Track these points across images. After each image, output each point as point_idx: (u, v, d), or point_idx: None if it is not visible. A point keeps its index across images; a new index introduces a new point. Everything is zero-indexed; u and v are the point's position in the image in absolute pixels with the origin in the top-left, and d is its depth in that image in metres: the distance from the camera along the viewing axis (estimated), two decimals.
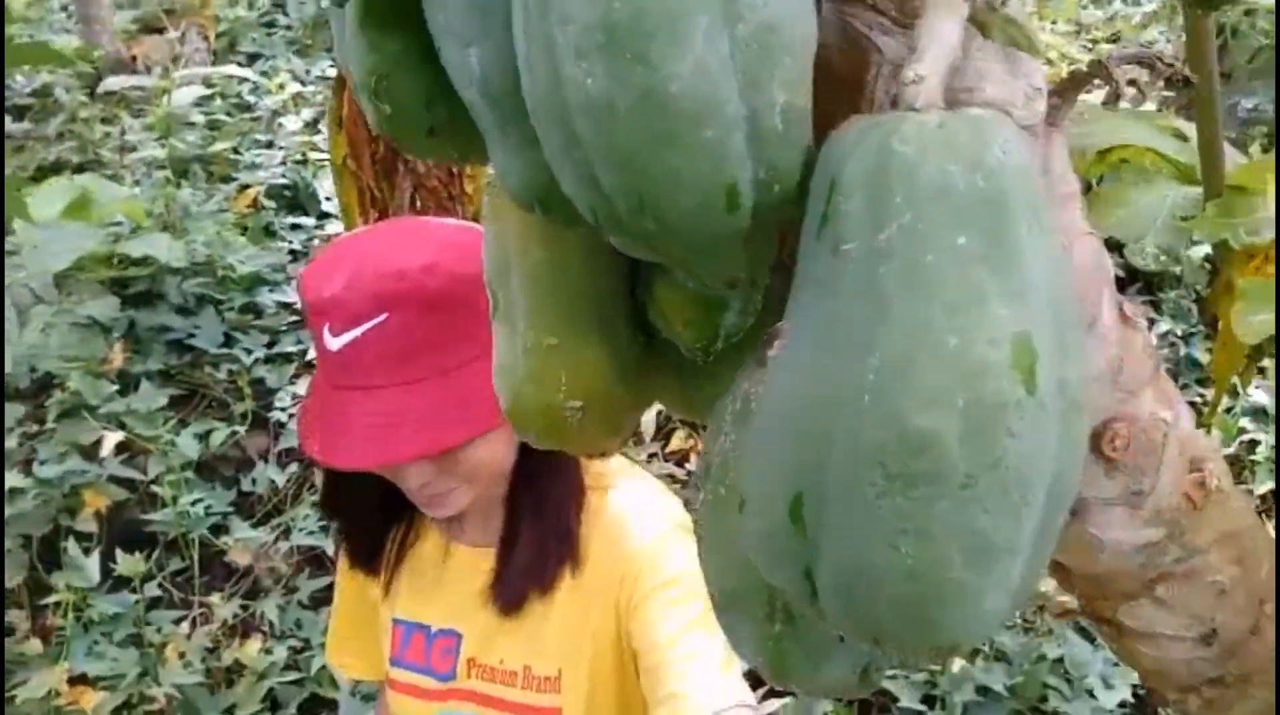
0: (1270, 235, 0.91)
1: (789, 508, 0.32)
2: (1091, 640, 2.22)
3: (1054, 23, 4.43)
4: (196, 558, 2.61)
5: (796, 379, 0.32)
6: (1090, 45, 4.29)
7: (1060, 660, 2.21)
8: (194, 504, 2.63)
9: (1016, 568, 0.32)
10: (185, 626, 2.49)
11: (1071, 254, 0.52)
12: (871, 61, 0.46)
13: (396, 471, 1.04)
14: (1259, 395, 2.65)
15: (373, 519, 1.20)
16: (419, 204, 1.41)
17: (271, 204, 3.61)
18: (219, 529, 2.70)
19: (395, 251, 0.99)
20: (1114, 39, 4.09)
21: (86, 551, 2.47)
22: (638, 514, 1.10)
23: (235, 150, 3.81)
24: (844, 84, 0.45)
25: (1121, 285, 3.17)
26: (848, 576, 0.31)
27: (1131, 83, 0.51)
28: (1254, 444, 2.67)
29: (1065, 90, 0.50)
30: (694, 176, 0.32)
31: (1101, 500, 0.58)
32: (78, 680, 2.28)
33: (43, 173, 3.60)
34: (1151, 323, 3.05)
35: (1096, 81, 0.51)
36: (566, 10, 0.32)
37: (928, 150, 0.30)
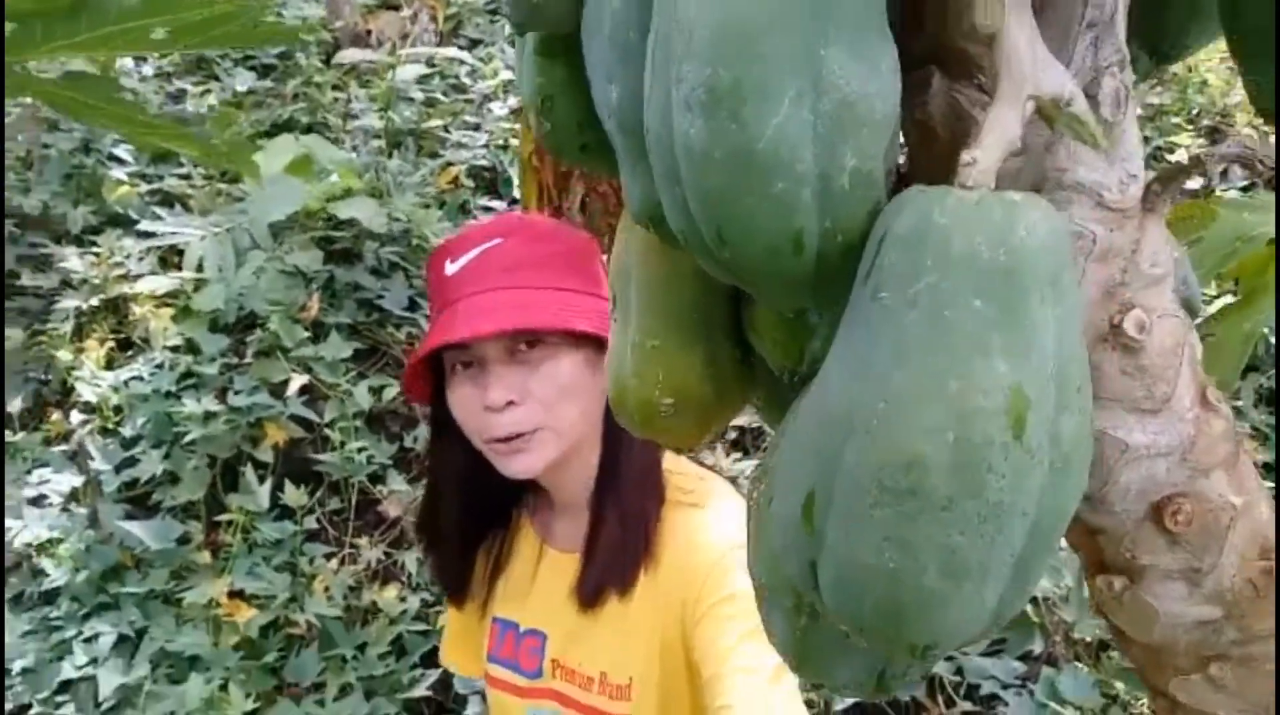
0: None
1: (802, 504, 0.38)
2: None
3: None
4: (353, 501, 2.82)
5: (826, 398, 0.38)
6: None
7: None
8: (359, 451, 2.84)
9: (990, 590, 0.36)
10: (334, 563, 2.70)
11: (1148, 337, 0.54)
12: (972, 133, 0.51)
13: (490, 387, 1.12)
14: None
15: (461, 547, 1.29)
16: (588, 206, 1.52)
17: (470, 183, 3.83)
18: (377, 478, 2.91)
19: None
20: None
21: (261, 479, 2.71)
22: (711, 531, 1.13)
23: (445, 129, 4.07)
24: (947, 151, 0.50)
25: None
26: (841, 571, 0.37)
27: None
28: None
29: (1165, 180, 0.53)
30: (765, 221, 0.38)
31: (1161, 570, 0.60)
32: (236, 595, 2.52)
33: (275, 129, 3.95)
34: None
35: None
36: (682, 70, 0.38)
37: (961, 223, 0.35)
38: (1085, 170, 0.50)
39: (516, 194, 3.81)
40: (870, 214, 0.39)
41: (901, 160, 0.55)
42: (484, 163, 3.95)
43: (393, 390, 3.05)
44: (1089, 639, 2.44)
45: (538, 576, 1.26)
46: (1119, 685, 2.30)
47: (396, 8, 5.00)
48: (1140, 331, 0.54)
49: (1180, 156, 3.50)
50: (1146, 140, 3.68)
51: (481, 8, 5.27)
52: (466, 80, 4.51)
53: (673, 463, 1.20)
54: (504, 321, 1.09)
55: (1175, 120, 3.79)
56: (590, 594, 1.16)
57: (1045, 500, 0.36)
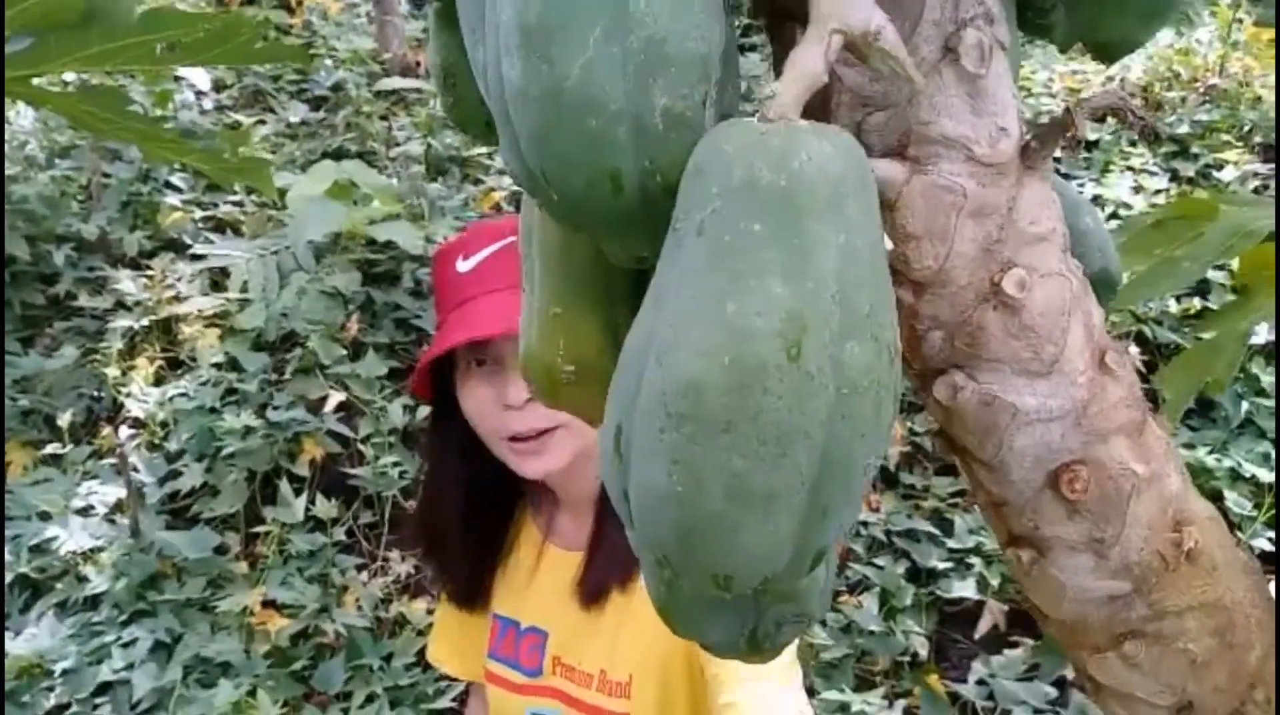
0: None
1: (614, 438, 0.38)
2: None
3: None
4: (386, 515, 2.86)
5: (634, 334, 0.38)
6: None
7: None
8: (393, 466, 2.89)
9: (782, 518, 0.36)
10: (365, 575, 2.74)
11: (1030, 297, 0.54)
12: (834, 90, 0.51)
13: (509, 385, 1.12)
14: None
15: (465, 549, 1.29)
16: None
17: (510, 208, 3.89)
18: (409, 493, 2.95)
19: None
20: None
21: (297, 492, 2.77)
22: None
23: (489, 156, 4.14)
24: (817, 112, 0.50)
25: None
26: (640, 498, 0.37)
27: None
28: None
29: (1042, 137, 0.53)
30: (580, 158, 0.39)
31: (1065, 542, 0.59)
32: (269, 604, 2.57)
33: (326, 157, 4.06)
34: None
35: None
36: (500, 15, 0.40)
37: (743, 151, 0.35)
38: (951, 123, 0.50)
39: None
40: (688, 154, 0.39)
41: None
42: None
43: (426, 409, 3.09)
44: None
45: (539, 574, 1.27)
46: None
47: None
48: (1021, 290, 0.53)
49: (1229, 173, 3.41)
50: (1195, 157, 3.60)
51: None
52: None
53: None
54: (515, 321, 1.11)
55: (1225, 137, 3.69)
56: (592, 592, 1.17)
57: (834, 428, 0.36)
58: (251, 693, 2.27)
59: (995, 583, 2.56)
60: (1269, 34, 4.09)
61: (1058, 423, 0.56)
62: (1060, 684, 2.35)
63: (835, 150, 0.36)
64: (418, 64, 4.79)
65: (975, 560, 2.61)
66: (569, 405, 0.63)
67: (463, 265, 1.16)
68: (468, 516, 1.27)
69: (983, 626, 2.59)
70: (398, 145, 4.02)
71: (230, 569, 2.64)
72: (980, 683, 2.37)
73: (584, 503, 1.21)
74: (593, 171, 0.39)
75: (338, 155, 4.13)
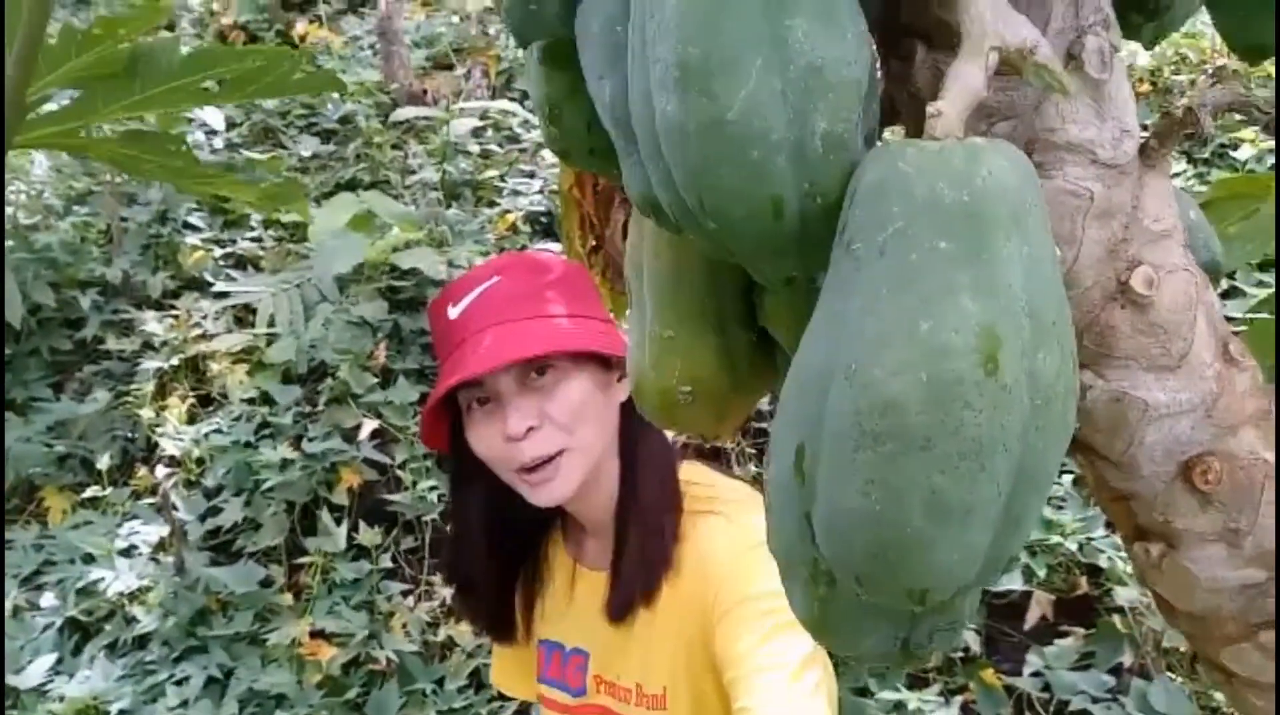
0: None
1: (794, 457, 0.39)
2: None
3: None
4: (427, 539, 2.87)
5: (809, 354, 0.39)
6: None
7: None
8: (430, 490, 2.90)
9: (978, 531, 0.36)
10: (410, 600, 2.75)
11: (1157, 293, 0.54)
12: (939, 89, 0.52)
13: (508, 417, 1.15)
14: None
15: (493, 587, 1.31)
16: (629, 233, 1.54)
17: (526, 229, 3.91)
18: (449, 515, 2.96)
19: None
20: None
21: (337, 521, 2.79)
22: (728, 535, 1.15)
23: (501, 178, 4.17)
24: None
25: None
26: (831, 518, 0.38)
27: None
28: None
29: (1162, 134, 0.53)
30: (743, 188, 0.40)
31: (1196, 534, 0.59)
32: (317, 634, 2.58)
33: (339, 189, 4.09)
34: None
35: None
36: (658, 51, 0.40)
37: (924, 169, 0.36)
38: (1077, 129, 0.51)
39: None
40: (845, 175, 0.40)
41: (899, 130, 0.56)
42: (540, 208, 4.03)
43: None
44: (1181, 648, 2.35)
45: (575, 596, 1.29)
46: (1217, 696, 2.20)
47: (450, 67, 5.16)
48: (1149, 288, 0.54)
49: (1244, 153, 3.41)
50: (1209, 140, 3.60)
51: None
52: (519, 130, 4.61)
53: (694, 474, 1.23)
54: (513, 352, 1.13)
55: (1238, 117, 3.68)
56: (619, 609, 1.19)
57: (1029, 438, 0.36)
58: None
59: (1042, 573, 2.55)
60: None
61: (1188, 416, 0.56)
62: (1117, 671, 2.35)
63: (1012, 165, 0.37)
64: (424, 92, 4.82)
65: (1021, 552, 2.60)
66: (683, 424, 0.63)
67: (452, 312, 1.20)
68: (493, 555, 1.30)
69: (1031, 618, 2.58)
70: (412, 174, 4.04)
71: (276, 601, 2.65)
72: (1035, 674, 2.36)
73: (605, 524, 1.23)
74: (754, 200, 0.40)
75: (350, 186, 4.16)
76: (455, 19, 5.37)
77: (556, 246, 3.86)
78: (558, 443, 1.15)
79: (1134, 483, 0.59)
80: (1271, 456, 0.58)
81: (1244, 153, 3.49)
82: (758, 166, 0.39)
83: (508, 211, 3.96)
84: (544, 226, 4.01)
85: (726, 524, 1.16)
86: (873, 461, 0.35)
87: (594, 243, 1.71)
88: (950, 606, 0.52)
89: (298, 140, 4.56)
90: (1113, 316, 0.55)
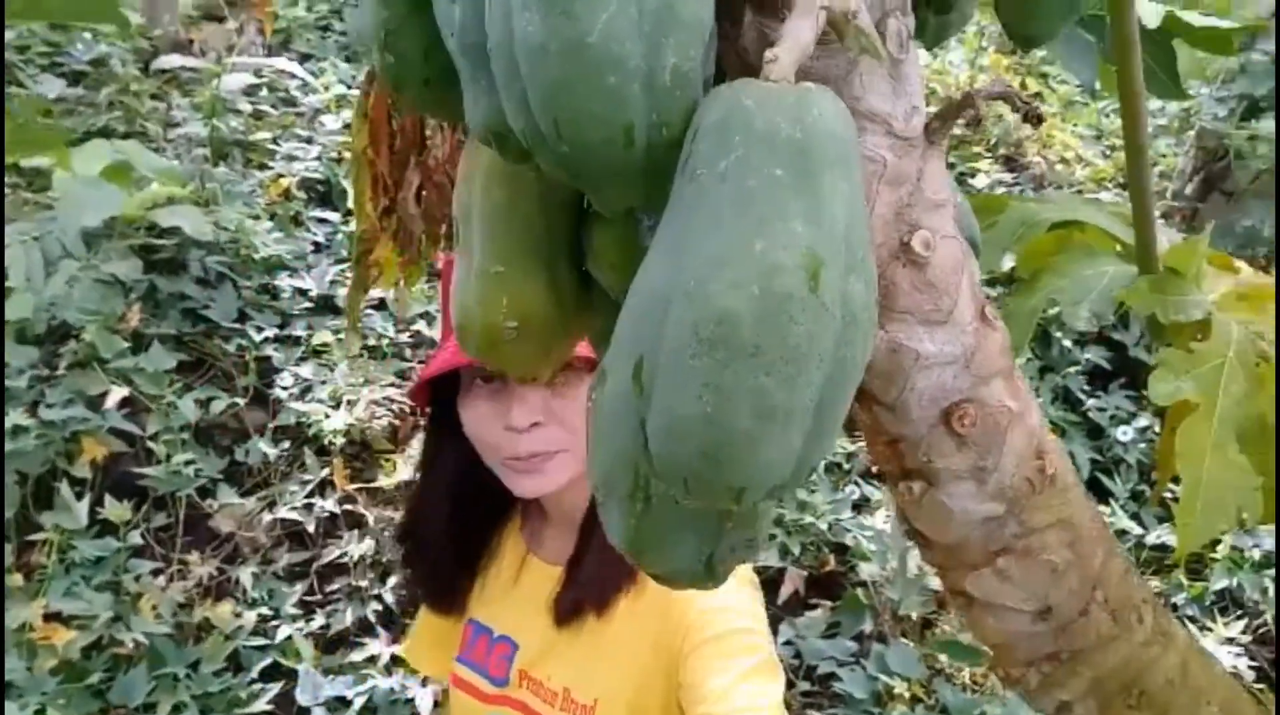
0: (1198, 315, 1.00)
1: (633, 370, 0.42)
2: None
3: (1075, 126, 4.59)
4: (181, 517, 2.70)
5: (651, 274, 0.42)
6: (1109, 151, 4.44)
7: None
8: (186, 465, 2.72)
9: (795, 432, 0.41)
10: (162, 580, 2.57)
11: (933, 255, 0.62)
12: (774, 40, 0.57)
13: (513, 407, 1.11)
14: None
15: (447, 556, 1.27)
16: (424, 196, 1.52)
17: (302, 195, 3.75)
18: (206, 492, 2.79)
19: None
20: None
21: (78, 496, 2.56)
22: None
23: (275, 141, 3.96)
24: (756, 73, 0.56)
25: (1106, 377, 3.22)
26: (667, 421, 0.41)
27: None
28: (1215, 543, 2.74)
29: (944, 115, 0.61)
30: (599, 112, 0.42)
31: (952, 471, 0.68)
32: (52, 617, 2.36)
33: (89, 137, 3.74)
34: (1133, 416, 3.13)
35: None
36: None
37: (763, 105, 0.40)
38: (876, 99, 0.57)
39: (352, 205, 3.75)
40: (689, 111, 0.43)
41: None
42: (317, 175, 3.87)
43: (221, 402, 2.94)
44: (914, 616, 2.60)
45: (519, 584, 1.26)
46: (942, 658, 2.46)
47: (221, 19, 4.84)
48: (926, 249, 0.61)
49: (980, 181, 3.82)
50: (952, 166, 3.98)
51: (312, 23, 5.17)
52: (297, 94, 4.40)
53: None
54: None
55: (976, 149, 4.12)
56: (567, 609, 1.16)
57: (839, 352, 0.41)
58: (40, 711, 2.08)
59: (796, 551, 2.74)
60: (1008, 60, 4.58)
61: (951, 366, 0.64)
62: (859, 638, 2.56)
63: (837, 109, 0.41)
64: (190, 42, 4.50)
65: (777, 530, 2.78)
66: (507, 360, 0.65)
67: None
68: (454, 526, 1.26)
69: (785, 593, 2.77)
70: (175, 127, 3.76)
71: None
72: (787, 643, 2.53)
73: (571, 518, 1.20)
74: (609, 125, 0.42)
75: (103, 135, 3.81)
76: None
77: (334, 215, 3.73)
78: (559, 442, 1.12)
79: (904, 426, 0.67)
80: (1014, 405, 0.67)
81: (980, 181, 3.89)
82: (614, 91, 0.42)
83: (281, 175, 3.78)
84: (320, 194, 3.85)
85: None
86: (707, 367, 0.39)
87: (387, 204, 1.67)
88: (751, 521, 0.57)
89: (39, 80, 4.14)
90: (895, 273, 0.61)
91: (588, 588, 1.14)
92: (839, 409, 0.43)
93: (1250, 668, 2.52)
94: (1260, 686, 2.48)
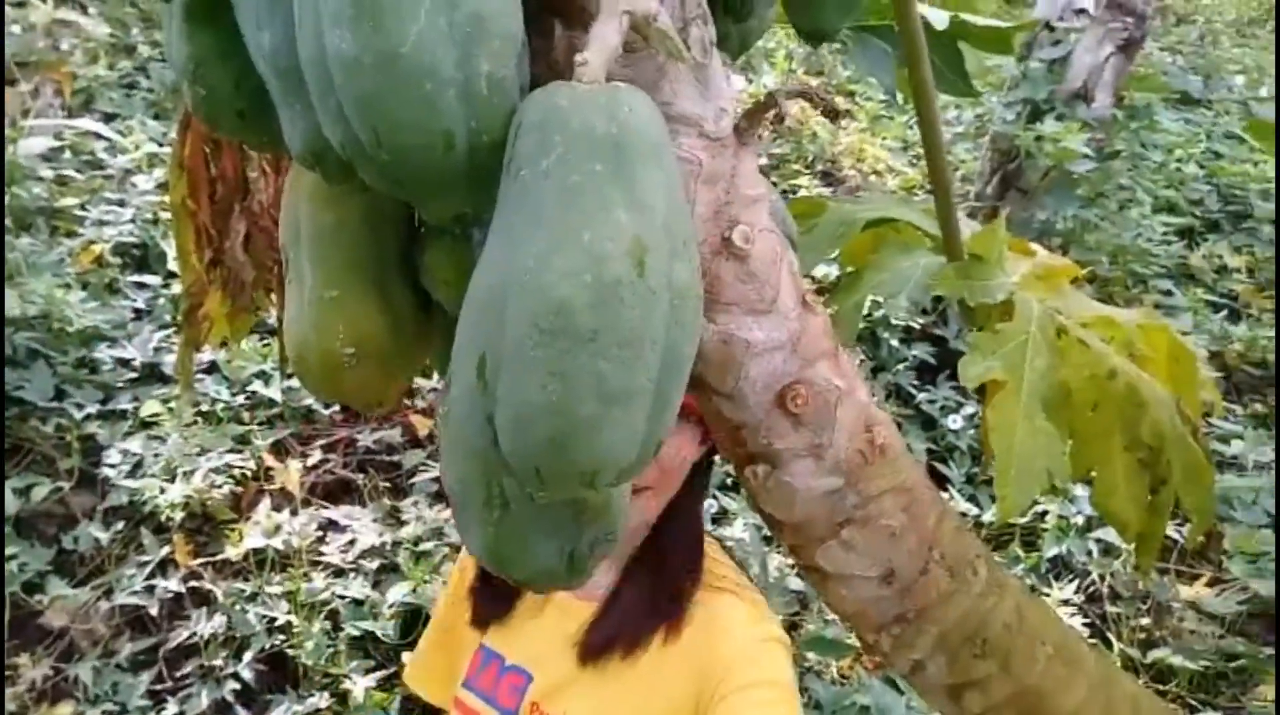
0: (1001, 296, 1.08)
1: (476, 368, 0.43)
2: (899, 690, 2.37)
3: (884, 139, 4.88)
4: (6, 617, 2.49)
5: (485, 273, 0.44)
6: (915, 160, 4.73)
7: (868, 708, 2.35)
8: (9, 560, 2.52)
9: (637, 414, 0.43)
10: None
11: (753, 248, 0.65)
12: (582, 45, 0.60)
13: None
14: None
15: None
16: (251, 243, 1.49)
17: (117, 261, 3.55)
18: (34, 587, 2.59)
19: None
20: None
21: None
22: (742, 619, 1.14)
23: (83, 207, 3.75)
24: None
25: (933, 371, 3.40)
26: (514, 412, 0.42)
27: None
28: (1043, 514, 2.94)
29: (751, 116, 0.65)
30: (416, 120, 0.43)
31: (792, 451, 0.71)
32: None
33: None
34: (960, 405, 3.32)
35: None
36: None
37: (578, 105, 0.42)
38: (687, 103, 0.61)
39: (173, 266, 3.58)
40: (507, 117, 0.45)
41: None
42: (132, 239, 3.68)
43: (43, 489, 2.74)
44: (780, 618, 2.65)
45: (543, 616, 1.22)
46: (810, 655, 2.52)
47: (13, 83, 4.56)
48: (746, 242, 0.65)
49: (802, 194, 4.01)
50: (774, 184, 4.17)
51: (115, 81, 4.93)
52: (104, 156, 4.18)
53: (716, 552, 1.21)
54: None
55: (795, 167, 4.32)
56: (594, 648, 1.14)
57: (671, 334, 0.43)
58: None
59: None
60: (817, 80, 4.83)
61: (780, 351, 0.68)
62: None
63: (647, 105, 0.44)
64: None
65: None
66: (349, 390, 0.65)
67: None
68: None
69: None
70: None
71: None
72: None
73: (611, 557, 1.20)
74: (426, 132, 0.44)
75: None
76: (17, 29, 4.76)
77: (154, 278, 3.55)
78: (650, 480, 1.10)
79: (743, 413, 0.70)
80: (841, 383, 0.71)
81: (801, 195, 4.09)
82: (429, 99, 0.43)
83: (92, 242, 3.57)
84: (137, 259, 3.66)
85: (745, 606, 1.14)
86: (549, 357, 0.40)
87: (212, 256, 1.61)
88: (607, 513, 0.59)
89: None
90: (719, 268, 0.65)
91: (622, 626, 1.14)
92: (676, 388, 0.45)
93: (1084, 625, 2.70)
94: (1094, 641, 2.66)
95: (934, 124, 1.02)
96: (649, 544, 1.17)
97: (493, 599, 1.26)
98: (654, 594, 1.14)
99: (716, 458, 1.20)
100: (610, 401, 0.41)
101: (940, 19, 1.21)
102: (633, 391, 0.42)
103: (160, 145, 4.25)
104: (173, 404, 3.03)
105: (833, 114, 0.62)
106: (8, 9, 4.49)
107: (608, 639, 1.14)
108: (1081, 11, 3.68)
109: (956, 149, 4.60)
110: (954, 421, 3.22)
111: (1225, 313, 3.95)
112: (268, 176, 1.45)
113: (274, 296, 1.45)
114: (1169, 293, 3.98)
